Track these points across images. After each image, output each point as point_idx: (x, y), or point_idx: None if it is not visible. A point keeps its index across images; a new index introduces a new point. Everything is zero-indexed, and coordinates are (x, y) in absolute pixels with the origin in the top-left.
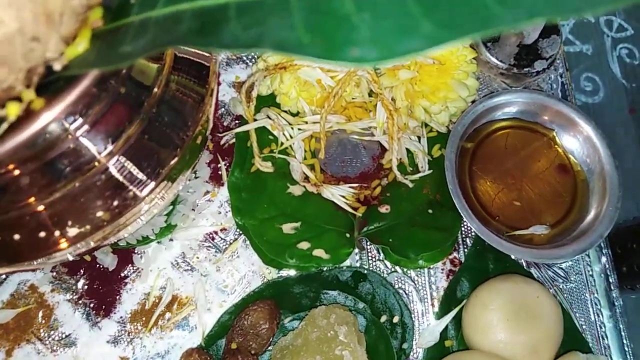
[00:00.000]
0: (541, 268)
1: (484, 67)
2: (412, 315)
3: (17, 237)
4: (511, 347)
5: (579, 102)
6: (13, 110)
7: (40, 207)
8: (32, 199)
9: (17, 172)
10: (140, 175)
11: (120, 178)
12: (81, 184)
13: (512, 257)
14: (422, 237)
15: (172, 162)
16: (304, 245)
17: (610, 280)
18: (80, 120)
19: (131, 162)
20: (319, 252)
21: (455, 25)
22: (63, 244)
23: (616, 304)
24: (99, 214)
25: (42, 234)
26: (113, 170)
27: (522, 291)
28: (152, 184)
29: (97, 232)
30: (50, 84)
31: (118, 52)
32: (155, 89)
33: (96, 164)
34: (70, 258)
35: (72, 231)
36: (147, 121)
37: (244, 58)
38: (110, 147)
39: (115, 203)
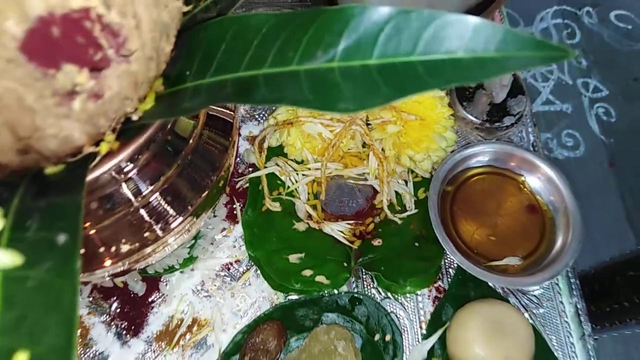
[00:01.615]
0: (517, 295)
1: (462, 123)
2: (403, 335)
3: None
4: (489, 359)
5: (561, 157)
6: (104, 148)
7: (92, 231)
8: (87, 224)
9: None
10: (172, 211)
11: (158, 211)
12: (126, 214)
13: (490, 284)
14: (409, 266)
15: (199, 200)
16: (308, 272)
17: (579, 306)
18: (132, 165)
19: (166, 200)
20: (320, 278)
21: (402, 88)
22: (107, 261)
23: (584, 327)
24: (138, 239)
25: (95, 251)
26: (153, 205)
27: (497, 312)
28: (180, 219)
29: (134, 254)
30: (122, 132)
31: (181, 107)
32: (191, 141)
33: (140, 199)
34: (107, 278)
35: (120, 249)
36: (182, 167)
37: (256, 116)
38: (151, 187)
39: (151, 231)
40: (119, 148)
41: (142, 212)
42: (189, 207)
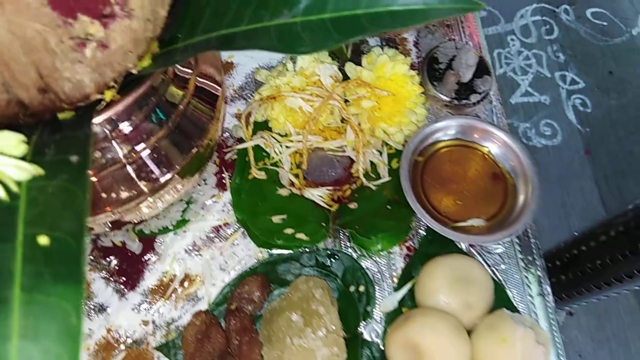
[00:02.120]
0: (481, 254)
1: (432, 101)
2: (375, 287)
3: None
4: (452, 305)
5: (539, 145)
6: (108, 95)
7: (94, 179)
8: (91, 172)
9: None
10: (163, 166)
11: (150, 166)
12: (122, 166)
13: (456, 243)
14: (382, 225)
15: (185, 161)
16: (289, 230)
17: (537, 263)
18: (127, 123)
19: (158, 156)
20: (300, 236)
21: (348, 33)
22: (108, 207)
23: (543, 282)
24: (134, 188)
25: (95, 197)
26: (146, 160)
27: (462, 265)
28: (170, 175)
29: (127, 204)
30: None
31: (173, 60)
32: (180, 106)
33: (134, 154)
34: (105, 229)
35: (116, 197)
36: (172, 129)
37: (244, 95)
38: (143, 145)
39: (145, 182)
40: (120, 99)
41: (137, 164)
42: (177, 166)
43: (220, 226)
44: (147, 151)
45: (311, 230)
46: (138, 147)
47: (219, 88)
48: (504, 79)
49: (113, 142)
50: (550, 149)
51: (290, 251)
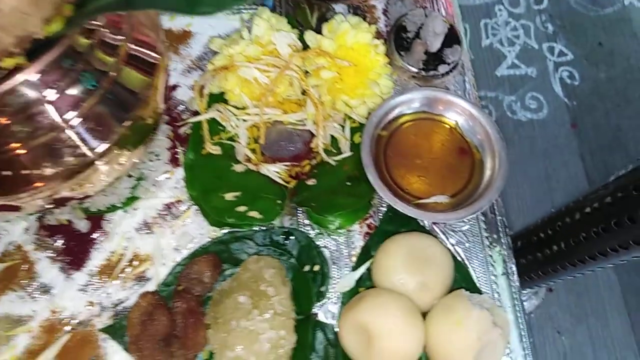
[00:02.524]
0: (445, 232)
1: (399, 72)
2: (332, 266)
3: (6, 173)
4: (408, 285)
5: (524, 119)
6: (9, 62)
7: (23, 151)
8: (16, 145)
9: (5, 121)
10: (97, 135)
11: (83, 134)
12: (54, 137)
13: (418, 221)
14: (340, 202)
15: (123, 130)
16: (242, 208)
17: (503, 241)
18: (53, 90)
19: (90, 125)
20: (253, 214)
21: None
22: (39, 182)
23: (507, 261)
24: (68, 160)
25: (24, 172)
26: (78, 128)
27: (419, 243)
28: (106, 145)
29: (68, 178)
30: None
31: (78, 21)
32: (112, 73)
33: (63, 123)
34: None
35: (47, 171)
36: (104, 96)
37: (202, 66)
38: (75, 112)
39: (79, 153)
40: (29, 65)
41: (68, 134)
42: (113, 136)
43: (172, 203)
44: (78, 120)
45: (265, 207)
46: (67, 116)
47: (157, 56)
48: (490, 51)
49: (40, 109)
50: (536, 122)
51: (245, 230)
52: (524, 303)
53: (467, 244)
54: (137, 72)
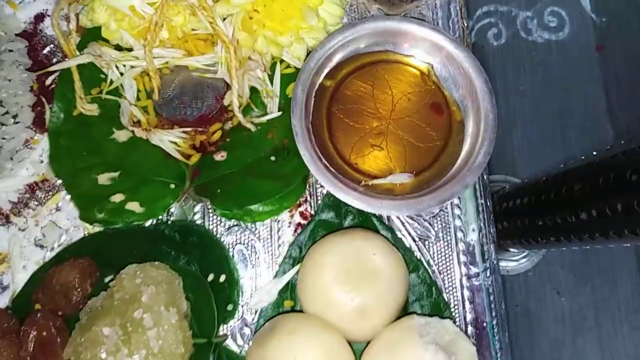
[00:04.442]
0: (403, 220)
1: None
2: (249, 272)
3: None
4: (338, 309)
5: (540, 40)
6: None
7: None
8: None
9: None
10: None
11: None
12: None
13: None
14: (257, 188)
15: None
16: (118, 197)
17: (484, 240)
18: None
19: None
20: (132, 206)
21: None
22: None
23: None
24: None
25: None
26: None
27: (358, 248)
28: None
29: None
30: None
31: None
32: None
33: None
34: None
35: None
36: None
37: None
38: None
39: None
40: None
41: None
42: None
43: (36, 183)
44: None
45: (151, 195)
46: None
47: None
48: None
49: None
50: (554, 44)
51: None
52: (521, 261)
53: (432, 238)
54: None
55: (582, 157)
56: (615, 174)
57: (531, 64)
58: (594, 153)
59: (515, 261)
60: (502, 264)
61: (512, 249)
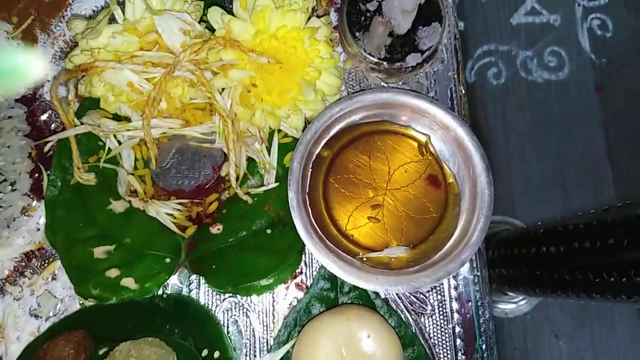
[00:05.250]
0: (400, 295)
1: (355, 60)
2: (242, 347)
3: None
4: None
5: (540, 80)
6: None
7: None
8: None
9: None
10: None
11: None
12: None
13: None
14: (250, 264)
15: None
16: (114, 272)
17: (480, 313)
18: None
19: None
20: (127, 282)
21: None
22: None
23: (482, 329)
24: None
25: None
26: None
27: (353, 328)
28: None
29: None
30: None
31: None
32: None
33: None
34: None
35: None
36: None
37: None
38: None
39: None
40: None
41: None
42: None
43: (32, 252)
44: None
45: (146, 271)
46: None
47: None
48: None
49: None
50: (553, 85)
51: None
52: (520, 303)
53: (429, 312)
54: None
55: (580, 214)
56: (613, 240)
57: (531, 103)
58: (592, 211)
59: (514, 304)
60: (501, 306)
61: (510, 293)
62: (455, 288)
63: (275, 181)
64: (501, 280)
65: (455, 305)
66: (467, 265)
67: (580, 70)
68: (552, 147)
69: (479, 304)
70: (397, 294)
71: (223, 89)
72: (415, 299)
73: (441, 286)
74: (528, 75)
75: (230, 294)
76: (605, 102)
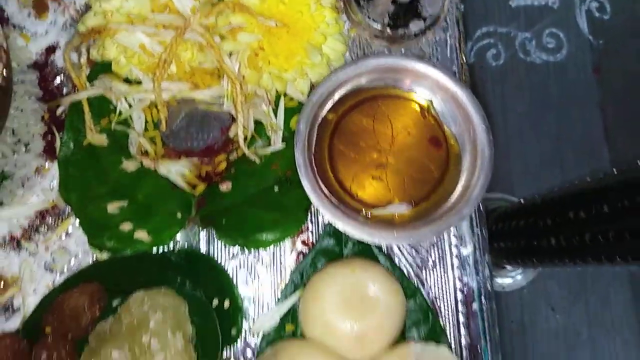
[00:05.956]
0: (402, 249)
1: (359, 28)
2: (249, 299)
3: None
4: (337, 336)
5: (538, 61)
6: None
7: None
8: None
9: None
10: None
11: None
12: None
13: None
14: (260, 218)
15: None
16: (127, 226)
17: (478, 260)
18: None
19: None
20: (141, 234)
21: None
22: None
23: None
24: None
25: None
26: None
27: (358, 279)
28: None
29: None
30: None
31: None
32: None
33: None
34: None
35: None
36: None
37: None
38: None
39: None
40: None
41: None
42: None
43: (47, 210)
44: None
45: (158, 225)
46: None
47: None
48: None
49: None
50: (551, 66)
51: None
52: (517, 278)
53: (430, 266)
54: None
55: (576, 182)
56: (608, 204)
57: (529, 84)
58: (588, 179)
59: (511, 277)
60: (498, 280)
61: (508, 267)
62: (456, 246)
63: (282, 142)
64: (499, 254)
65: (455, 262)
66: (467, 224)
67: (579, 51)
68: (550, 128)
69: (478, 260)
70: (399, 250)
71: (231, 53)
72: (416, 254)
73: (442, 242)
74: (527, 57)
75: (240, 251)
76: (602, 83)
